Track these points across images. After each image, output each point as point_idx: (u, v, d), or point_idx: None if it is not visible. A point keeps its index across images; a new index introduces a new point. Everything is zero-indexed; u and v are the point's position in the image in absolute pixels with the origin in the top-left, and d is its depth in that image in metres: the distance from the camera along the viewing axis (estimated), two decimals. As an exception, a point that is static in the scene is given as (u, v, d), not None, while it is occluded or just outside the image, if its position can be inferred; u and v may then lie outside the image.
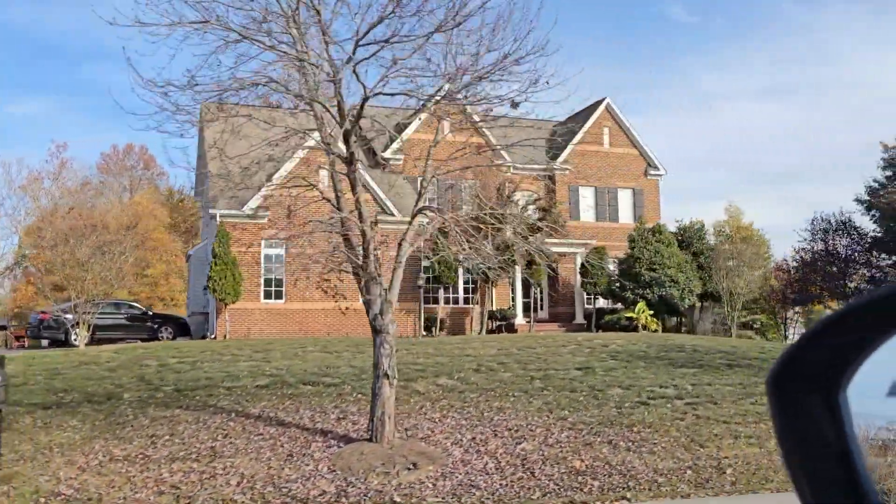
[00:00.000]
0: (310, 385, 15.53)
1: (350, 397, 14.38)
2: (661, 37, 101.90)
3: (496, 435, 11.96)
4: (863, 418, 1.08)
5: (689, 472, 10.99)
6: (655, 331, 29.24)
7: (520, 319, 31.81)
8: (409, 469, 10.10)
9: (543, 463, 10.91)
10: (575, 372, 18.05)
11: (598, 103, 36.51)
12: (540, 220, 28.65)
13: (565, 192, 35.15)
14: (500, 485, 9.94)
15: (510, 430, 12.34)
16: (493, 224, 29.07)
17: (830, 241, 34.33)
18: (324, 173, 28.55)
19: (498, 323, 31.68)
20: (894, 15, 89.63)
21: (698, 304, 35.14)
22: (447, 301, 32.53)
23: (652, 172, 36.65)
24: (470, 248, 26.75)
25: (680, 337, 26.28)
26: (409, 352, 20.81)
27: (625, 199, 36.03)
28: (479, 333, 29.31)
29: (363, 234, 11.29)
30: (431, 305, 32.17)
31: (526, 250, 29.85)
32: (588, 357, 20.28)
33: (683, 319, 35.85)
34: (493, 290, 33.12)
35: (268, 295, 27.90)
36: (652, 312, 29.32)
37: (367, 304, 11.36)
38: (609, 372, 18.15)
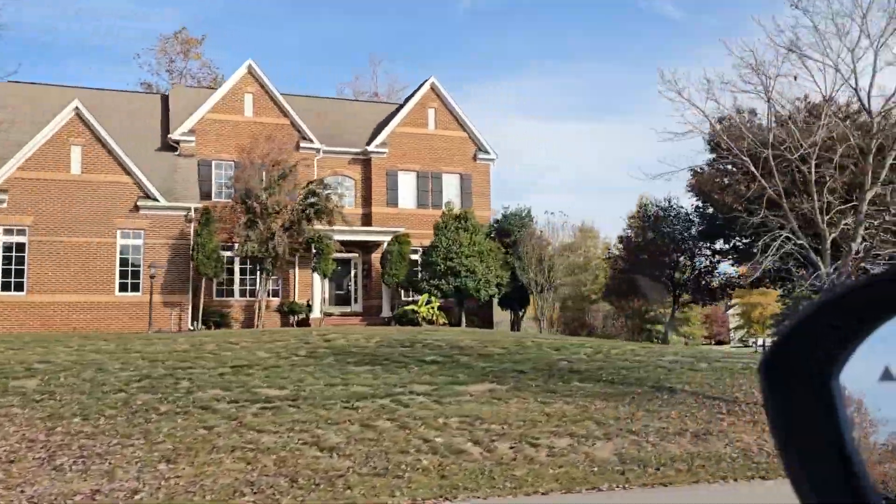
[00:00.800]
0: None
1: None
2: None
3: None
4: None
5: (73, 500, 8.79)
6: (445, 324, 27.09)
7: (316, 313, 29.56)
8: None
9: None
10: (219, 371, 15.87)
11: (423, 83, 34.33)
12: (310, 205, 26.40)
13: (383, 176, 32.89)
14: None
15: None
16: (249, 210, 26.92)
17: (661, 229, 32.24)
18: (76, 152, 26.26)
19: (294, 317, 29.45)
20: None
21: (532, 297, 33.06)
22: (243, 294, 30.27)
23: (482, 156, 34.42)
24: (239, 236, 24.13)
25: (445, 332, 24.03)
26: (66, 350, 18.44)
27: (451, 185, 33.78)
28: (256, 327, 27.03)
29: None
30: (224, 299, 29.95)
31: (306, 238, 27.76)
32: (272, 355, 18.06)
33: (516, 313, 33.77)
34: (297, 282, 30.89)
35: (6, 286, 25.41)
36: (439, 304, 27.17)
37: None
38: (264, 371, 16.05)
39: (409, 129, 33.42)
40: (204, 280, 26.87)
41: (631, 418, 13.48)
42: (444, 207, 30.82)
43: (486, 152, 34.43)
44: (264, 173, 26.66)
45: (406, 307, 28.12)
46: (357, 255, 32.29)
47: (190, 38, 58.94)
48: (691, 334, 69.76)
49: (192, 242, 26.53)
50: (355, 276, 32.56)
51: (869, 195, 13.97)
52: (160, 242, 26.72)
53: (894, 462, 1.07)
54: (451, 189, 33.69)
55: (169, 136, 30.25)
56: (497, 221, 32.73)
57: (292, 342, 20.19)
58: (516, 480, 10.35)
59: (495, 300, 33.90)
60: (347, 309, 32.07)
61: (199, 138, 30.43)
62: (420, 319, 26.68)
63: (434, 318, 27.00)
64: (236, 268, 29.81)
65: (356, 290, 32.52)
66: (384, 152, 32.85)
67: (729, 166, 28.71)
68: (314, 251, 28.21)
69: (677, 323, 63.13)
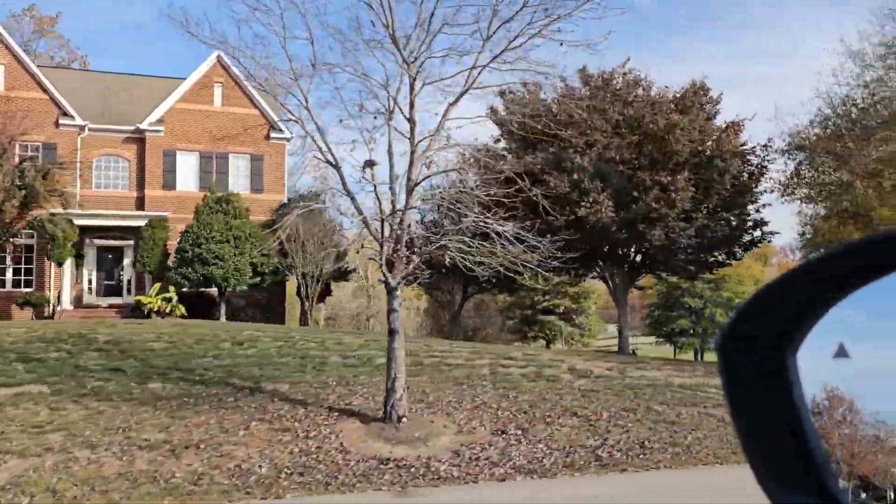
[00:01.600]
0: None
1: None
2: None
3: None
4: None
5: None
6: (183, 316, 24.72)
7: (66, 305, 27.09)
8: None
9: None
10: None
11: (207, 57, 31.81)
12: (18, 187, 23.87)
13: (159, 157, 30.40)
14: None
15: None
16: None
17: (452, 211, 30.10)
18: None
19: (42, 310, 26.93)
20: None
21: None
22: (-11, 285, 27.70)
23: (275, 136, 32.07)
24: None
25: (145, 326, 21.53)
26: None
27: (239, 166, 31.42)
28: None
29: None
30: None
31: (26, 223, 25.27)
32: None
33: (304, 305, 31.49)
34: (52, 272, 28.33)
35: None
36: (175, 297, 24.80)
37: None
38: None
39: (190, 105, 30.95)
40: None
41: (132, 427, 11.30)
42: (252, 190, 28.62)
43: (280, 132, 32.04)
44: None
45: (140, 297, 25.77)
46: (131, 242, 29.83)
47: (43, 16, 55.84)
48: (588, 327, 62.25)
49: None
50: (128, 264, 30.10)
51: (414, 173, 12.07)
52: None
53: (880, 453, 0.97)
54: (239, 171, 31.36)
55: None
56: (282, 206, 30.43)
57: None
58: None
59: (291, 289, 31.71)
60: (119, 300, 29.60)
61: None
62: (149, 311, 24.30)
63: (169, 309, 24.61)
64: (-19, 256, 27.23)
65: (129, 280, 30.06)
66: (160, 130, 30.34)
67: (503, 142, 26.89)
68: (51, 238, 25.69)
69: (574, 314, 58.82)
